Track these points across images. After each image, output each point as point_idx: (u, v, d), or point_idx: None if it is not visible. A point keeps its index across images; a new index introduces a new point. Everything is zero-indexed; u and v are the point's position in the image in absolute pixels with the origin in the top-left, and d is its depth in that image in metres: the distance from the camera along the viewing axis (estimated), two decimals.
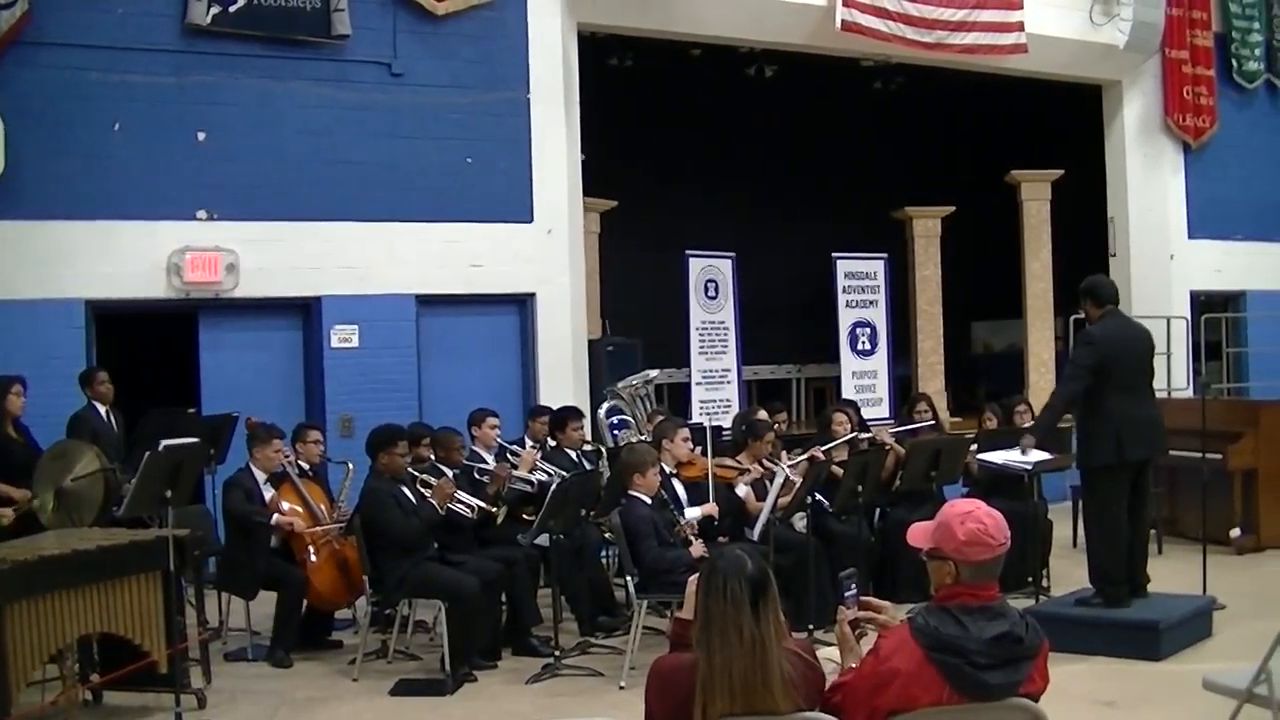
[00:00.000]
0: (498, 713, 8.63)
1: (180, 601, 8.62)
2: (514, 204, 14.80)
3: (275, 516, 10.14)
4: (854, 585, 4.92)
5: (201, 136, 13.43)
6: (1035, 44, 17.95)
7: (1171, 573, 11.63)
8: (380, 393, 13.77)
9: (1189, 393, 17.84)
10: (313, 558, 10.15)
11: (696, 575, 4.53)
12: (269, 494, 10.32)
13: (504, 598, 10.21)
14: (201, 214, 13.41)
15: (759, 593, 4.30)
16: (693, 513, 10.38)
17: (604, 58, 19.09)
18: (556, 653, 9.60)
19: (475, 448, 11.50)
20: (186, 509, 9.30)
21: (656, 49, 18.61)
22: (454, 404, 12.88)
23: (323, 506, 10.48)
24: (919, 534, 4.68)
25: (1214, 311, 20.20)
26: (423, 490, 9.98)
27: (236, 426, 11.67)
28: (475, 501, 10.25)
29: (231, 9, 13.35)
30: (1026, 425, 12.43)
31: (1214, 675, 6.83)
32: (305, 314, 14.13)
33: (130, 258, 13.09)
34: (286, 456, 10.58)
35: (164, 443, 8.86)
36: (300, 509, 10.29)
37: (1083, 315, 10.55)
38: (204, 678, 9.12)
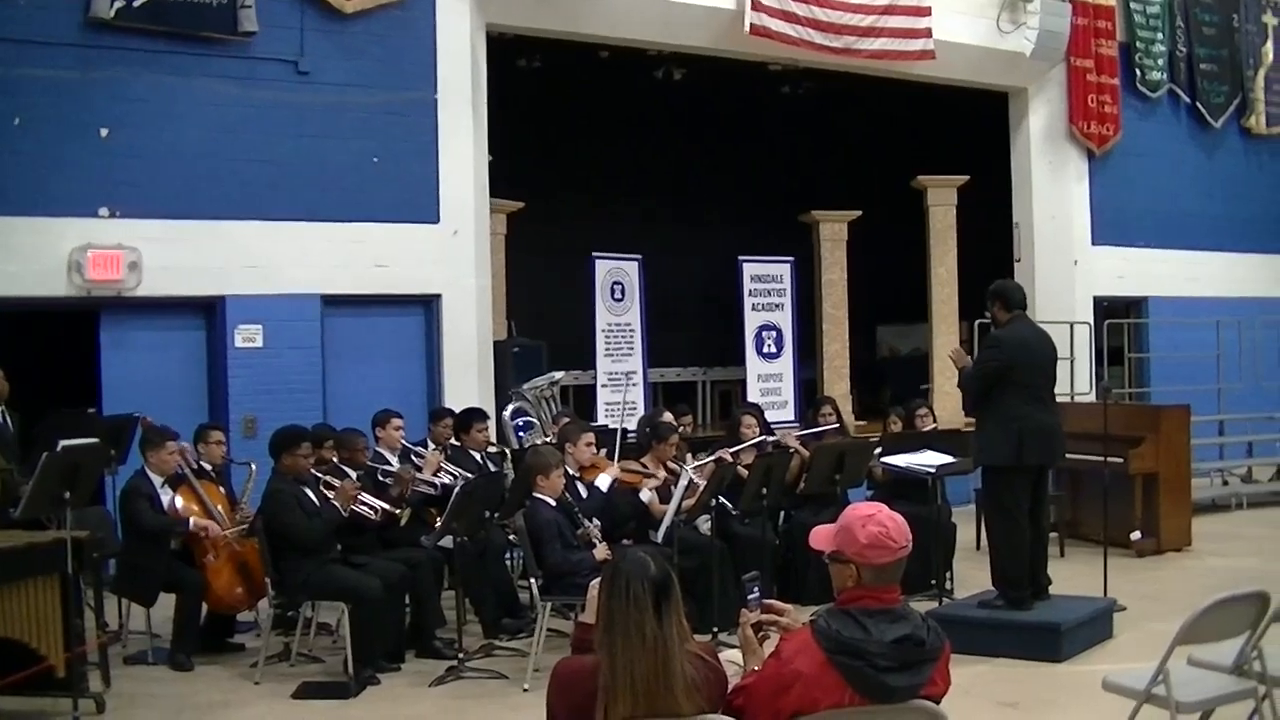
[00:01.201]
0: (401, 715, 8.61)
1: (79, 604, 8.53)
2: (420, 204, 14.74)
3: (192, 521, 10.00)
4: (757, 588, 4.94)
5: (104, 133, 13.23)
6: (943, 50, 18.11)
7: (1073, 575, 11.77)
8: (284, 393, 13.65)
9: (1091, 397, 18.02)
10: (212, 560, 10.03)
11: (598, 579, 4.53)
12: (166, 497, 10.16)
13: (408, 600, 10.16)
14: (104, 211, 13.21)
15: (662, 595, 4.31)
16: (603, 480, 10.43)
17: (512, 59, 19.06)
18: (460, 655, 9.57)
19: (379, 449, 11.45)
20: (85, 511, 9.13)
21: (565, 50, 18.58)
22: (359, 405, 12.83)
23: (221, 508, 10.35)
24: (821, 537, 4.69)
25: (1116, 317, 20.44)
26: (326, 491, 9.92)
27: (137, 427, 11.52)
28: (379, 503, 10.21)
29: (136, 3, 13.12)
30: (928, 429, 12.59)
31: (1113, 676, 6.90)
32: (209, 313, 13.98)
33: (30, 255, 12.87)
34: (184, 454, 10.46)
35: (62, 443, 8.72)
36: (198, 510, 10.16)
37: (989, 318, 10.64)
38: (103, 682, 9.00)
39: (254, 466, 10.97)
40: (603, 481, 10.86)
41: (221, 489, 10.68)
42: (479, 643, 10.27)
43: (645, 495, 10.91)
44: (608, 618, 4.32)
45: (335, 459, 10.67)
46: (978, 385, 10.18)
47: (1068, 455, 11.03)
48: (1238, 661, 6.70)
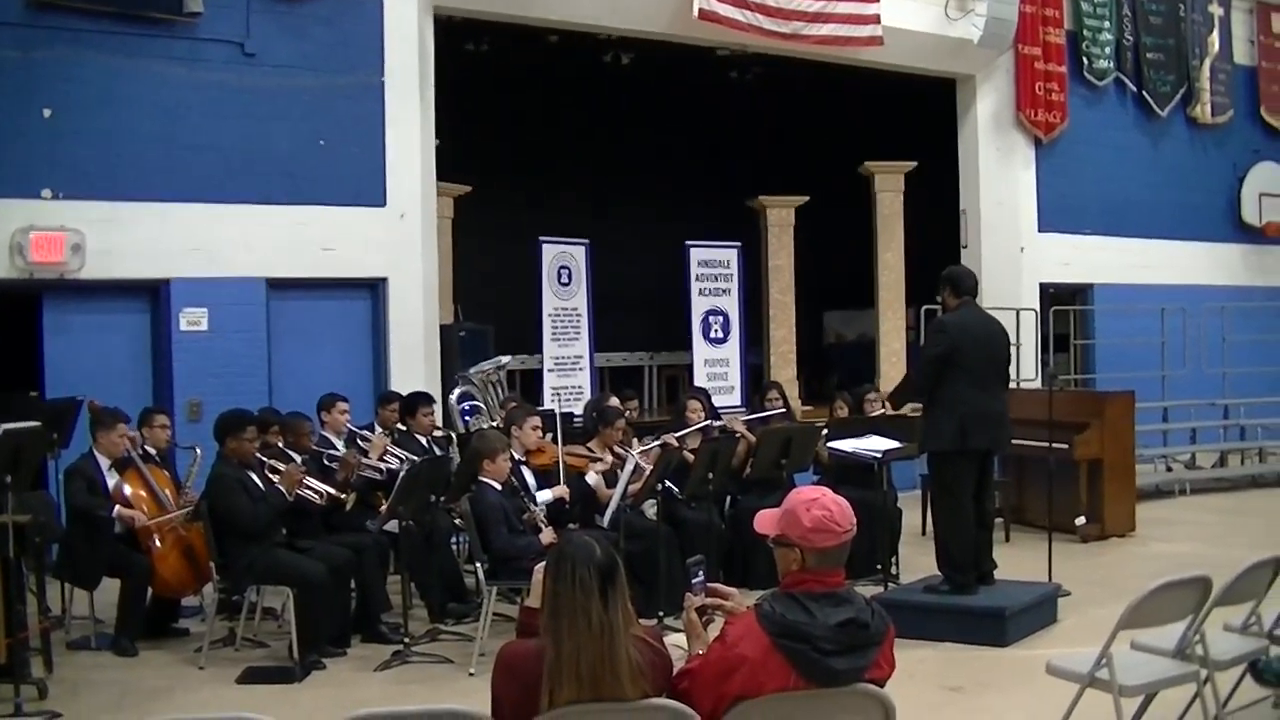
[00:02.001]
0: (346, 700, 8.56)
1: (21, 589, 8.47)
2: (367, 188, 14.68)
3: (116, 509, 9.94)
4: (701, 572, 4.93)
5: (47, 113, 13.12)
6: (891, 37, 18.16)
7: (1018, 560, 11.80)
8: (229, 377, 13.57)
9: (1037, 384, 18.13)
10: (158, 544, 9.96)
11: (543, 564, 4.52)
12: (113, 480, 10.11)
13: (353, 584, 10.13)
14: (46, 193, 13.10)
15: (607, 579, 4.30)
16: (544, 495, 10.44)
17: (460, 42, 19.00)
18: (406, 640, 9.58)
19: (325, 433, 11.43)
20: (27, 495, 9.08)
21: (513, 34, 18.56)
22: (304, 389, 12.77)
23: (169, 492, 10.29)
24: (766, 521, 4.69)
25: (1062, 304, 20.56)
26: (271, 476, 9.88)
27: (81, 411, 11.43)
28: (324, 488, 10.17)
29: None
30: (875, 414, 12.64)
31: (1057, 660, 6.94)
32: (153, 297, 13.89)
33: None
34: (131, 439, 10.40)
35: (3, 426, 8.67)
36: (145, 495, 10.11)
37: (939, 304, 10.68)
38: (45, 668, 8.94)
39: (199, 451, 10.94)
40: (590, 478, 10.94)
41: (167, 473, 10.62)
42: (425, 627, 10.26)
43: (592, 479, 10.92)
44: (553, 602, 4.31)
45: (280, 443, 10.66)
46: (926, 374, 10.23)
47: (1014, 441, 11.10)
48: (1180, 646, 6.75)
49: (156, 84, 13.63)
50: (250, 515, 9.46)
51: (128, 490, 10.05)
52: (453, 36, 17.82)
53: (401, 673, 9.20)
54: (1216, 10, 22.96)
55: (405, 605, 9.92)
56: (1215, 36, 22.85)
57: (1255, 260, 23.40)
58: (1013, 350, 10.73)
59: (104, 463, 10.18)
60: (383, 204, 14.76)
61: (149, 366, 13.96)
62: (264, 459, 10.07)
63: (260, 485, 9.75)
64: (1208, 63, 22.71)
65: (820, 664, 4.36)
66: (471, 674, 8.94)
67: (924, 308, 17.16)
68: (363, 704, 8.48)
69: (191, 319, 13.74)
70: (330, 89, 14.52)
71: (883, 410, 13.06)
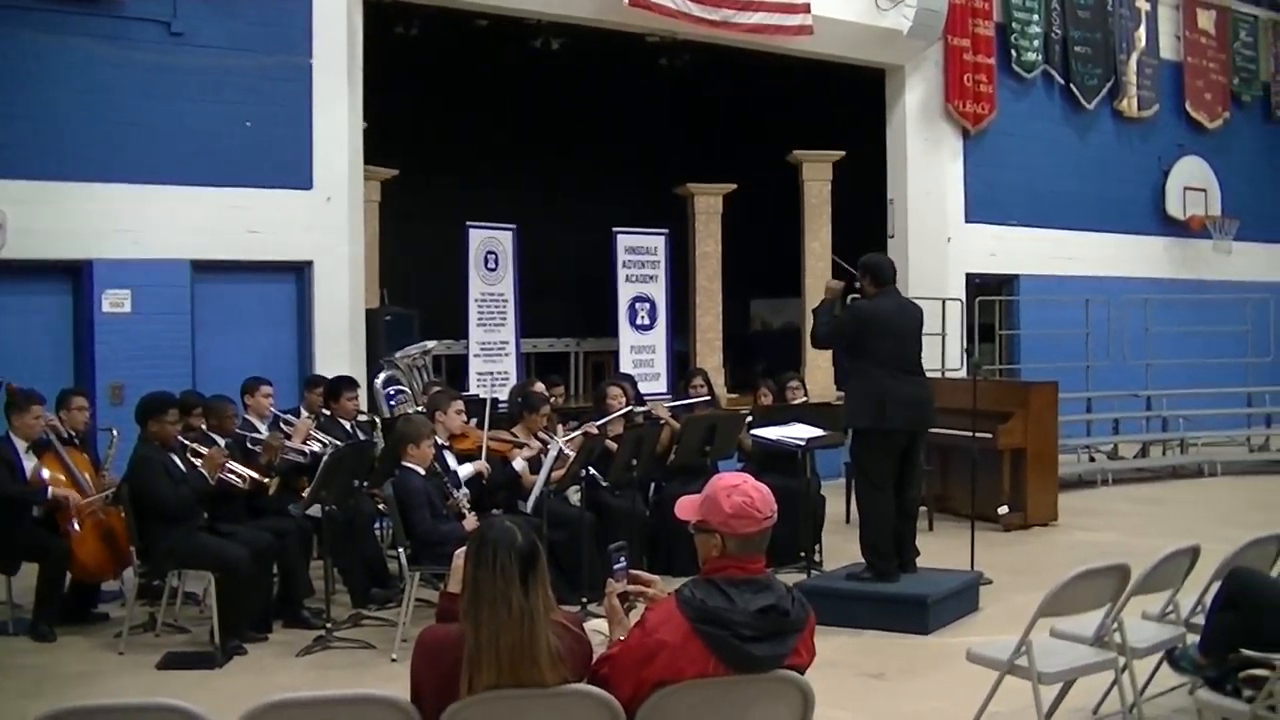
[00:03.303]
0: (267, 686, 8.50)
1: None
2: (293, 170, 14.59)
3: (50, 490, 9.82)
4: (623, 558, 4.94)
5: None
6: (821, 26, 18.21)
7: (941, 549, 11.90)
8: (152, 360, 13.44)
9: (962, 373, 18.23)
10: (76, 528, 9.84)
11: (463, 549, 4.51)
12: (30, 464, 9.98)
13: (275, 569, 10.08)
14: None
15: (528, 565, 4.31)
16: (465, 469, 10.44)
17: (389, 25, 18.88)
18: (328, 625, 9.55)
19: (249, 416, 11.36)
20: None
21: (443, 18, 18.49)
22: (229, 372, 12.66)
23: (87, 476, 10.18)
24: (686, 507, 4.71)
25: (988, 294, 20.72)
26: (193, 459, 9.80)
27: (1, 392, 11.31)
28: (247, 471, 10.11)
29: None
30: (799, 402, 12.71)
31: (977, 647, 7.03)
32: (75, 277, 13.74)
33: None
34: (49, 423, 10.28)
35: None
36: (64, 479, 9.99)
37: (859, 292, 10.74)
38: None
39: (115, 433, 10.86)
40: (516, 464, 10.97)
41: (86, 456, 10.51)
42: (347, 613, 10.23)
43: (518, 464, 10.93)
44: (473, 587, 4.30)
45: (204, 426, 10.57)
46: (826, 332, 10.60)
47: (938, 430, 11.20)
48: (1098, 633, 6.83)
49: (82, 62, 13.48)
50: (172, 499, 9.37)
51: (45, 474, 9.91)
52: (382, 20, 17.70)
53: (323, 658, 9.17)
54: (1143, 5, 23.25)
55: (328, 590, 9.90)
56: (1142, 31, 23.15)
57: (1178, 253, 23.71)
58: (924, 337, 10.75)
59: (20, 446, 10.03)
60: (309, 187, 14.68)
61: (70, 349, 13.80)
62: (186, 442, 9.98)
63: (182, 468, 9.66)
64: (1134, 57, 22.97)
65: (740, 650, 4.38)
66: (394, 659, 8.92)
67: (851, 298, 17.22)
68: (284, 689, 8.42)
69: (114, 301, 13.62)
70: (258, 70, 14.41)
71: (806, 399, 13.13)
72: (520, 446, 11.15)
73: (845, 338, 10.37)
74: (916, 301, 10.95)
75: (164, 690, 8.32)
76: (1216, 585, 6.99)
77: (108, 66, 13.62)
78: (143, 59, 13.81)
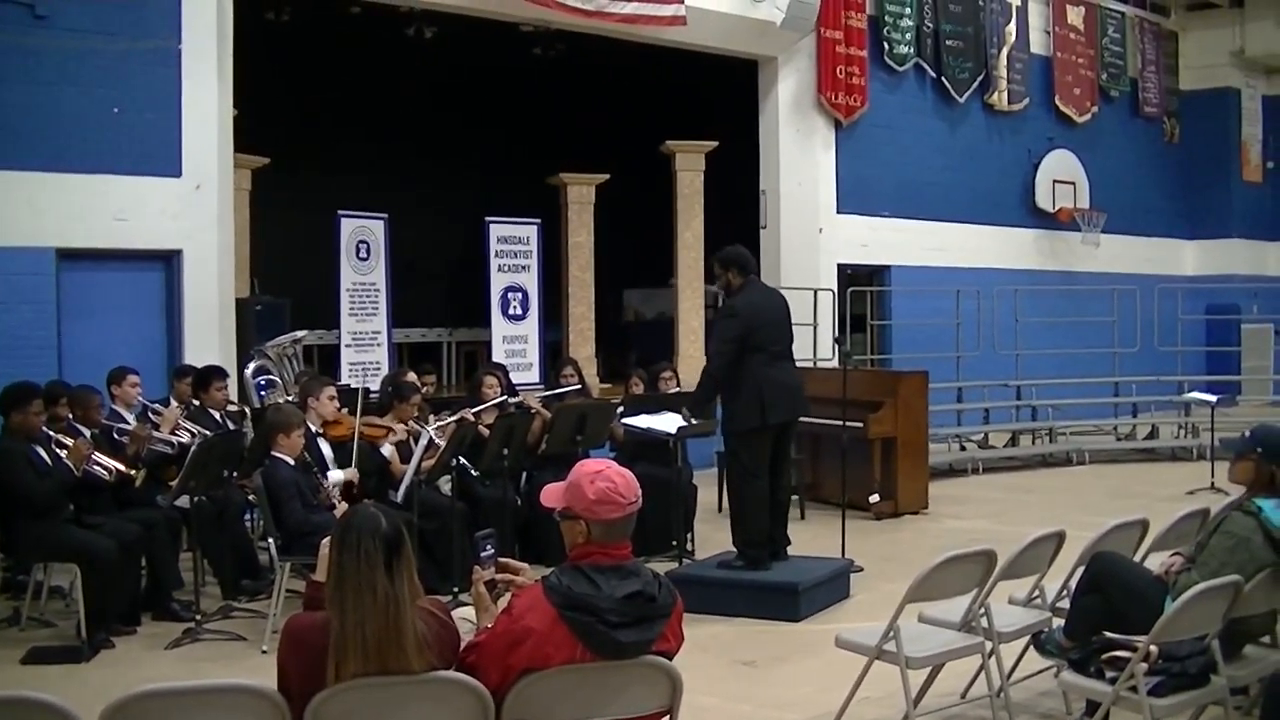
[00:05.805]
0: (136, 679, 8.31)
1: None
2: (161, 157, 14.35)
3: None
4: (491, 546, 4.94)
5: None
6: (694, 17, 18.26)
7: (813, 537, 12.02)
8: (16, 350, 13.17)
9: (833, 363, 18.36)
10: None
11: (329, 537, 4.49)
12: None
13: (143, 561, 9.96)
14: None
15: (393, 551, 4.30)
16: (335, 476, 10.36)
17: (260, 11, 18.71)
18: (198, 617, 9.48)
19: (116, 407, 11.21)
20: None
21: (314, 4, 18.36)
22: (95, 363, 12.43)
23: None
24: (551, 495, 4.72)
25: (859, 285, 20.93)
26: (58, 450, 9.64)
27: None
28: (113, 463, 9.95)
29: None
30: (672, 391, 12.75)
31: (846, 633, 7.10)
32: None
33: None
34: None
35: None
36: None
37: (719, 284, 10.75)
38: None
39: None
40: (386, 449, 10.97)
41: None
42: (217, 604, 10.15)
43: (387, 450, 10.93)
44: (338, 574, 4.29)
45: (69, 417, 10.40)
46: (724, 362, 10.30)
47: (809, 419, 11.28)
48: (966, 618, 6.92)
49: None
50: (36, 491, 9.21)
51: None
52: (253, 5, 17.52)
53: (193, 650, 9.11)
54: (1014, 1, 23.50)
55: (197, 582, 9.80)
56: (1013, 26, 23.51)
57: (1047, 244, 24.12)
58: (795, 328, 10.83)
59: None
60: (178, 174, 14.46)
61: None
62: (51, 433, 9.82)
63: (47, 460, 9.50)
64: (1005, 52, 23.33)
65: (606, 636, 4.40)
66: (264, 651, 8.87)
67: (711, 287, 17.31)
68: (152, 683, 8.39)
69: None
70: (125, 54, 14.16)
71: (679, 388, 13.17)
72: (390, 433, 11.11)
73: (738, 343, 10.27)
74: (787, 291, 11.02)
75: (29, 685, 8.22)
76: (1081, 570, 7.12)
77: None
78: (6, 41, 13.52)
